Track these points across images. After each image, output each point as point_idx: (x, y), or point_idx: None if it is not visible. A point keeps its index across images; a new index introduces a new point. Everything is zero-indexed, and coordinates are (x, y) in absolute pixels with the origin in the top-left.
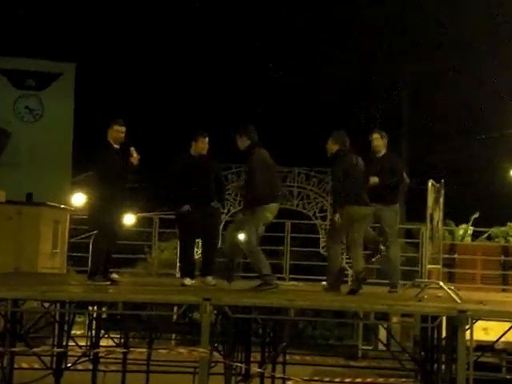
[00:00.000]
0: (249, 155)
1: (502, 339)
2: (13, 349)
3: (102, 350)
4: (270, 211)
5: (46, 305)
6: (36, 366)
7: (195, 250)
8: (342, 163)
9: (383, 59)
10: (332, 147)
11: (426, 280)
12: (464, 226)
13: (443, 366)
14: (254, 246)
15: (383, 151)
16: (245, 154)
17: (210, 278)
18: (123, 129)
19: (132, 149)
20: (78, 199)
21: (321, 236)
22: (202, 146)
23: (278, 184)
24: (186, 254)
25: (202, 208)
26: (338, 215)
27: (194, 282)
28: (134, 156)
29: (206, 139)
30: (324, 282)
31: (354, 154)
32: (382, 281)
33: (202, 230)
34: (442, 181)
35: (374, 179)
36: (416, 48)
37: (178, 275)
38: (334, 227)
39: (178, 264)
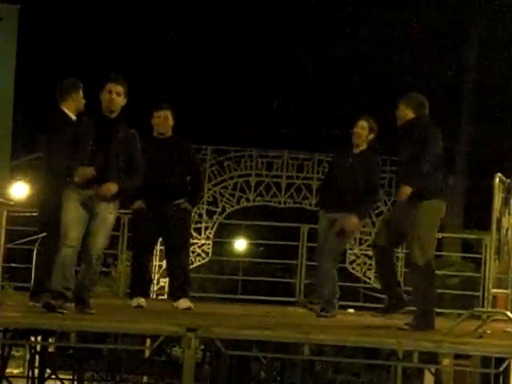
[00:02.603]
0: (119, 121)
1: None
2: None
3: None
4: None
5: None
6: None
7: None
8: (438, 136)
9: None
10: (405, 112)
11: (490, 309)
12: None
13: None
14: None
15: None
16: (115, 120)
17: (183, 301)
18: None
19: None
20: (19, 190)
21: (348, 246)
22: (157, 121)
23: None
24: (137, 266)
25: (160, 207)
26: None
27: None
28: None
29: (164, 113)
30: (351, 309)
31: None
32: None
33: (161, 237)
34: None
35: None
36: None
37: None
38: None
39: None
